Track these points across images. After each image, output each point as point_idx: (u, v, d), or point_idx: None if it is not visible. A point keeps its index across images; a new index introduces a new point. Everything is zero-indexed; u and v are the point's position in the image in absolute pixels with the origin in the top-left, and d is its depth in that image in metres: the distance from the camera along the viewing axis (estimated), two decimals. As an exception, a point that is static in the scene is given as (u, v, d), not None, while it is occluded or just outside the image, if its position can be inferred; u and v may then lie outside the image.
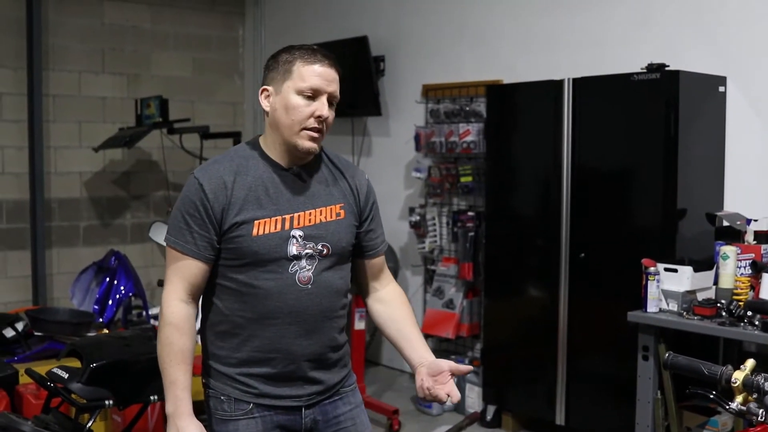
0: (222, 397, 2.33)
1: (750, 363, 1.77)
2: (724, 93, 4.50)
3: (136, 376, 3.39)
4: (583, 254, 4.54)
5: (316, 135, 2.28)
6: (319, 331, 2.34)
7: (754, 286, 3.86)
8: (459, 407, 5.36)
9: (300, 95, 2.26)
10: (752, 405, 1.72)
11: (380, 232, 2.57)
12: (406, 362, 2.52)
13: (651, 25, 4.83)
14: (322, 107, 2.26)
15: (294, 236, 2.28)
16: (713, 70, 4.46)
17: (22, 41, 6.51)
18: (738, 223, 4.13)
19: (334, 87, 2.30)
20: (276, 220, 2.27)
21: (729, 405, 1.75)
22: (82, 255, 6.63)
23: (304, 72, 2.26)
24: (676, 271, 3.88)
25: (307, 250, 2.30)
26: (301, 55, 2.28)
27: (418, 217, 5.83)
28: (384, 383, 6.05)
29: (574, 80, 4.60)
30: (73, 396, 3.31)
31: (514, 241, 4.96)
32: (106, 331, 4.81)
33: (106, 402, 3.30)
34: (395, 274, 5.98)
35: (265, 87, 2.35)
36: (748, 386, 1.74)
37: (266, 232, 2.26)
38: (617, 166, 4.49)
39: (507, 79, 5.40)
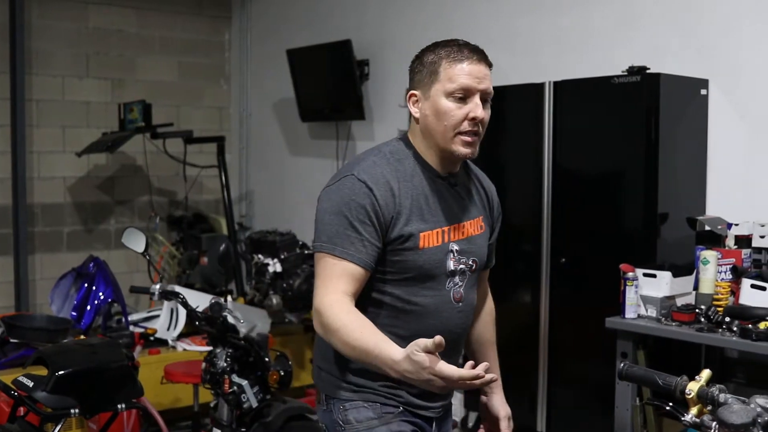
0: (366, 405, 2.17)
1: (705, 374, 1.72)
2: (707, 96, 4.45)
3: (103, 385, 3.35)
4: (564, 259, 4.48)
5: (470, 139, 2.14)
6: (458, 348, 2.30)
7: (735, 292, 3.81)
8: (442, 414, 5.31)
9: (450, 98, 2.11)
10: (706, 417, 1.67)
11: None
12: None
13: (633, 28, 4.78)
14: (476, 108, 2.11)
15: (452, 250, 2.18)
16: (695, 72, 4.41)
17: (6, 45, 6.45)
18: (719, 227, 4.08)
19: (486, 84, 2.14)
20: (437, 232, 2.15)
21: (684, 417, 1.70)
22: (66, 260, 6.56)
23: (452, 72, 2.11)
24: (654, 276, 3.83)
25: (461, 266, 2.21)
26: (447, 54, 2.14)
27: (400, 222, 5.76)
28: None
29: (555, 83, 4.55)
30: (38, 405, 3.26)
31: (495, 246, 4.90)
32: (83, 337, 4.76)
33: (72, 411, 3.25)
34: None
35: (412, 92, 2.22)
36: (702, 398, 1.68)
37: (430, 245, 2.13)
38: (598, 170, 4.44)
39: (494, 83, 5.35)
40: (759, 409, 1.63)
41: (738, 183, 4.37)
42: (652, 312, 3.82)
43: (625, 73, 4.29)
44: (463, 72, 2.10)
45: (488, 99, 2.14)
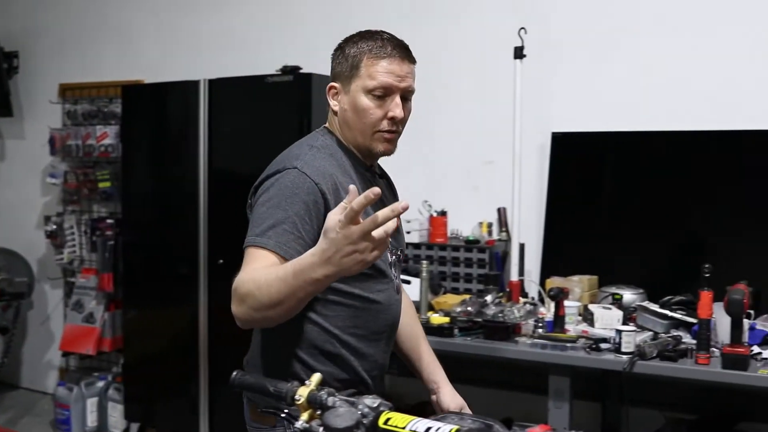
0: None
1: (316, 377, 1.68)
2: (358, 96, 4.56)
3: None
4: (222, 260, 4.41)
5: (389, 137, 2.05)
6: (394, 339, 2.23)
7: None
8: (102, 426, 5.04)
9: (370, 95, 2.02)
10: (315, 423, 1.64)
11: None
12: (416, 375, 2.41)
13: (290, 29, 4.82)
14: (395, 108, 2.02)
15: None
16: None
17: None
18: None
19: (408, 82, 2.05)
20: None
21: (295, 424, 1.66)
22: None
23: (373, 69, 2.02)
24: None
25: (394, 257, 2.15)
26: (370, 49, 2.04)
27: (54, 226, 5.41)
28: (22, 408, 5.56)
29: (210, 81, 4.46)
30: None
31: (152, 249, 4.74)
32: None
33: None
34: (30, 289, 5.53)
35: (332, 84, 2.11)
36: (312, 402, 1.65)
37: None
38: (255, 170, 4.34)
39: (149, 80, 5.17)
40: (366, 410, 1.61)
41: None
42: (305, 310, 3.83)
43: (279, 73, 4.29)
44: (384, 69, 2.02)
45: (409, 97, 2.08)
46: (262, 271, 1.80)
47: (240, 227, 4.45)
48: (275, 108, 4.28)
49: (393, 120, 2.04)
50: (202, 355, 4.51)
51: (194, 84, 4.48)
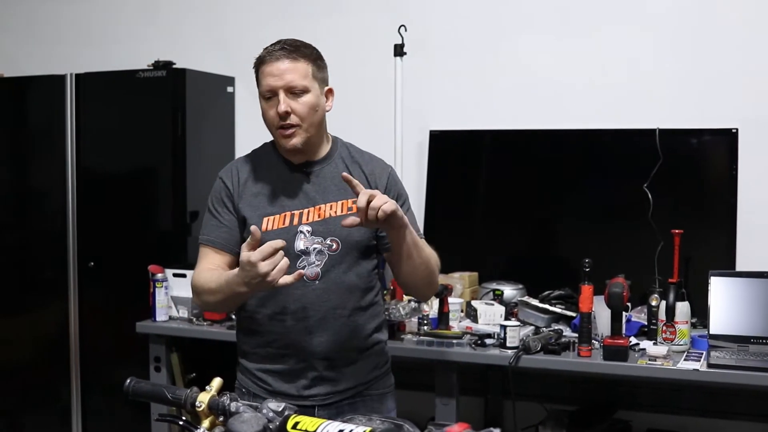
0: (243, 390, 2.34)
1: (216, 382, 1.62)
2: (233, 93, 4.48)
3: None
4: (92, 263, 4.25)
5: (287, 132, 2.20)
6: (330, 328, 2.27)
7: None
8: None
9: (264, 99, 2.22)
10: (218, 430, 1.58)
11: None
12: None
13: (160, 22, 4.69)
14: (280, 104, 2.16)
15: (301, 231, 2.25)
16: (222, 70, 4.42)
17: None
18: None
19: (289, 77, 2.16)
20: (284, 216, 2.25)
21: (196, 431, 1.60)
22: None
23: (261, 76, 2.21)
24: (185, 276, 3.74)
25: (315, 245, 2.26)
26: (260, 59, 2.22)
27: None
28: None
29: (77, 76, 4.29)
30: None
31: (18, 252, 4.51)
32: None
33: None
34: None
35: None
36: (213, 409, 1.59)
37: (274, 228, 2.24)
38: (126, 168, 4.27)
39: (8, 73, 4.91)
40: (271, 414, 1.57)
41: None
42: (184, 313, 3.74)
43: (151, 68, 4.16)
44: (266, 73, 2.19)
45: (297, 91, 2.18)
46: (205, 273, 2.22)
47: (113, 228, 4.33)
48: (147, 104, 4.17)
49: (282, 116, 2.18)
50: (73, 362, 4.35)
51: (60, 78, 4.30)
